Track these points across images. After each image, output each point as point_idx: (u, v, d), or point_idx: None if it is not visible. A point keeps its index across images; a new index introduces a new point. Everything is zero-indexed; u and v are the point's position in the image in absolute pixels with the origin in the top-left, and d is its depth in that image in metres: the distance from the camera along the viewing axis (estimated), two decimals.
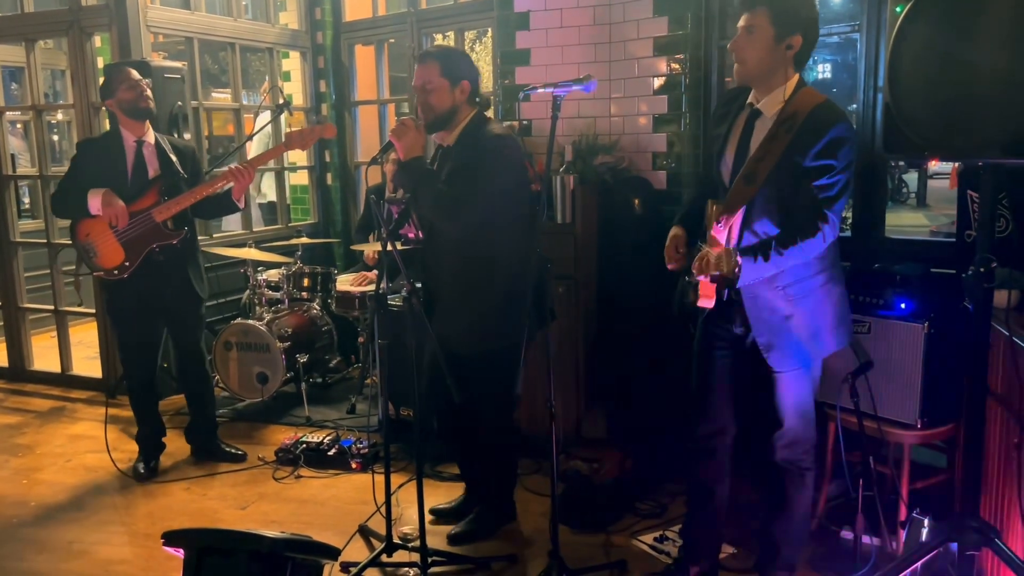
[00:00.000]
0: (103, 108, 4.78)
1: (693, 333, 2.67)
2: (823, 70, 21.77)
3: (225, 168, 3.71)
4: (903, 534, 2.71)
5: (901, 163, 13.02)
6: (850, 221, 3.74)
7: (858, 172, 3.56)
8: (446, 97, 2.92)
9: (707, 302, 2.35)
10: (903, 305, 2.84)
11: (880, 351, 2.85)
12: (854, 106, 3.56)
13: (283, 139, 3.67)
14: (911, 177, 14.81)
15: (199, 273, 3.89)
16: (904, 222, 11.84)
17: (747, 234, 2.39)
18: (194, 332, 3.93)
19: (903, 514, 2.80)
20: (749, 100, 2.45)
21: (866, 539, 2.87)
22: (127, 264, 3.66)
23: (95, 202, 3.57)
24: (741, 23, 2.35)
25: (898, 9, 1.95)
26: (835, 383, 2.85)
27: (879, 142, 3.31)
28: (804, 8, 2.33)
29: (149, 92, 3.70)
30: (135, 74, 3.69)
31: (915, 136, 2.04)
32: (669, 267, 2.56)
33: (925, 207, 14.10)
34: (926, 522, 2.60)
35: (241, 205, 3.80)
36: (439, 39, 5.76)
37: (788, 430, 2.51)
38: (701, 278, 2.26)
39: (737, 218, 2.25)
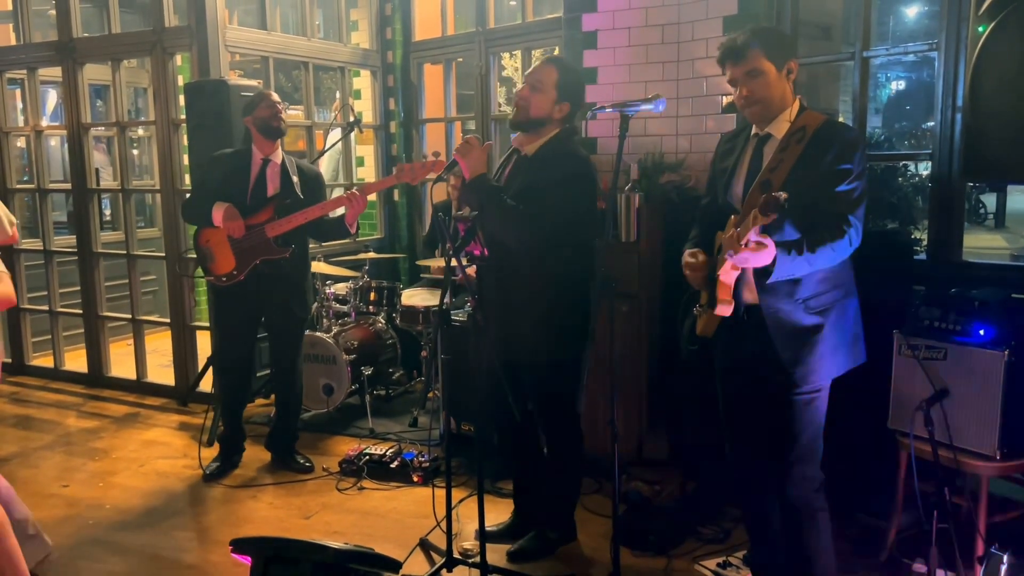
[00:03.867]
0: (182, 124, 4.98)
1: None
2: (896, 87, 21.26)
3: (342, 194, 3.85)
4: (980, 570, 2.61)
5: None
6: (925, 243, 3.64)
7: (934, 193, 3.47)
8: (546, 105, 2.93)
9: (725, 308, 2.33)
10: (982, 331, 2.74)
11: (957, 379, 2.76)
12: (930, 123, 3.48)
13: (393, 170, 3.78)
14: (989, 198, 14.31)
15: (301, 293, 4.02)
16: (982, 244, 11.46)
17: None
18: (290, 348, 4.07)
19: (980, 549, 2.69)
20: (754, 132, 2.48)
21: (940, 573, 2.77)
22: (235, 273, 3.83)
23: (218, 214, 3.77)
24: (740, 70, 2.36)
25: (980, 29, 1.90)
26: (908, 410, 2.77)
27: (958, 164, 3.22)
28: (785, 35, 2.43)
29: (284, 115, 3.90)
30: (276, 96, 3.90)
31: (997, 159, 1.98)
32: (692, 279, 2.52)
33: (1004, 228, 13.61)
34: (1005, 558, 2.50)
35: (353, 231, 3.92)
36: (506, 58, 5.83)
37: (798, 463, 2.43)
38: (730, 258, 2.22)
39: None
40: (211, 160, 4.04)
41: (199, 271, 4.00)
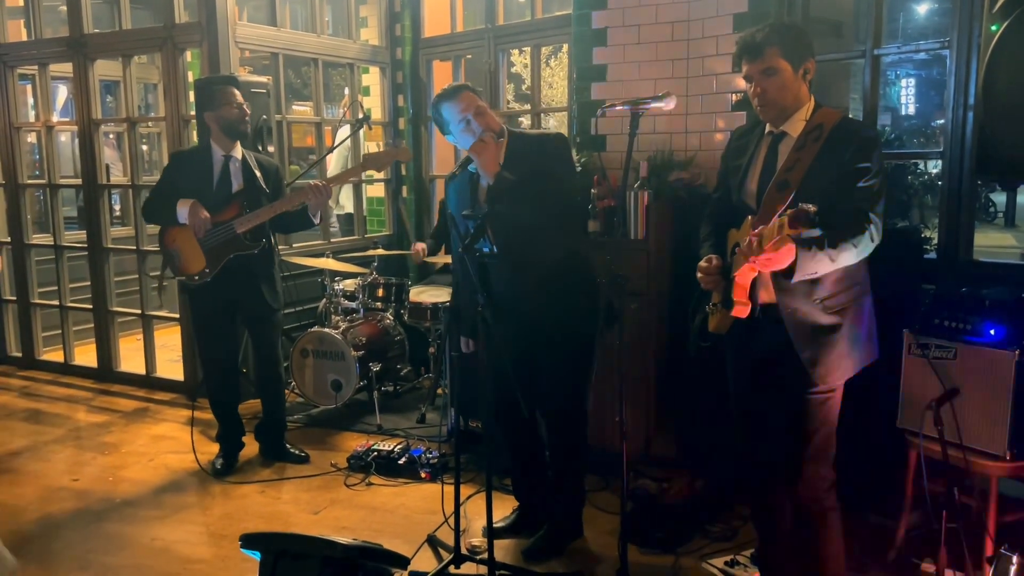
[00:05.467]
0: (192, 120, 4.99)
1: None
2: (907, 85, 21.18)
3: (304, 185, 3.82)
4: (989, 570, 2.60)
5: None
6: (935, 243, 3.63)
7: (945, 192, 3.46)
8: (494, 118, 3.06)
9: (742, 309, 2.32)
10: (992, 331, 2.73)
11: (967, 378, 2.75)
12: (940, 121, 3.47)
13: (360, 159, 3.78)
14: (999, 196, 14.22)
15: (273, 285, 4.01)
16: (991, 243, 11.40)
17: None
18: (269, 339, 4.07)
19: (989, 549, 2.68)
20: (768, 129, 2.45)
21: (949, 573, 2.76)
22: (207, 271, 3.81)
23: (183, 212, 3.75)
24: (756, 68, 2.35)
25: (993, 28, 1.89)
26: (918, 410, 2.76)
27: (969, 162, 3.21)
28: (804, 34, 2.38)
29: (248, 115, 3.87)
30: (240, 96, 3.86)
31: (1010, 158, 1.98)
32: (706, 285, 2.50)
33: (1013, 227, 13.54)
34: (1015, 559, 2.48)
35: (316, 221, 3.92)
36: (516, 55, 5.83)
37: (810, 462, 2.42)
38: (750, 261, 2.20)
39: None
40: (172, 158, 4.03)
41: (168, 272, 3.94)
